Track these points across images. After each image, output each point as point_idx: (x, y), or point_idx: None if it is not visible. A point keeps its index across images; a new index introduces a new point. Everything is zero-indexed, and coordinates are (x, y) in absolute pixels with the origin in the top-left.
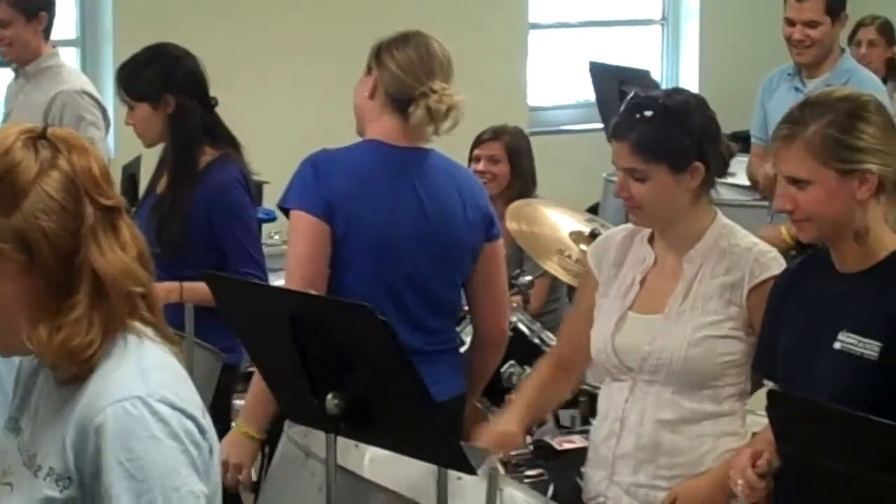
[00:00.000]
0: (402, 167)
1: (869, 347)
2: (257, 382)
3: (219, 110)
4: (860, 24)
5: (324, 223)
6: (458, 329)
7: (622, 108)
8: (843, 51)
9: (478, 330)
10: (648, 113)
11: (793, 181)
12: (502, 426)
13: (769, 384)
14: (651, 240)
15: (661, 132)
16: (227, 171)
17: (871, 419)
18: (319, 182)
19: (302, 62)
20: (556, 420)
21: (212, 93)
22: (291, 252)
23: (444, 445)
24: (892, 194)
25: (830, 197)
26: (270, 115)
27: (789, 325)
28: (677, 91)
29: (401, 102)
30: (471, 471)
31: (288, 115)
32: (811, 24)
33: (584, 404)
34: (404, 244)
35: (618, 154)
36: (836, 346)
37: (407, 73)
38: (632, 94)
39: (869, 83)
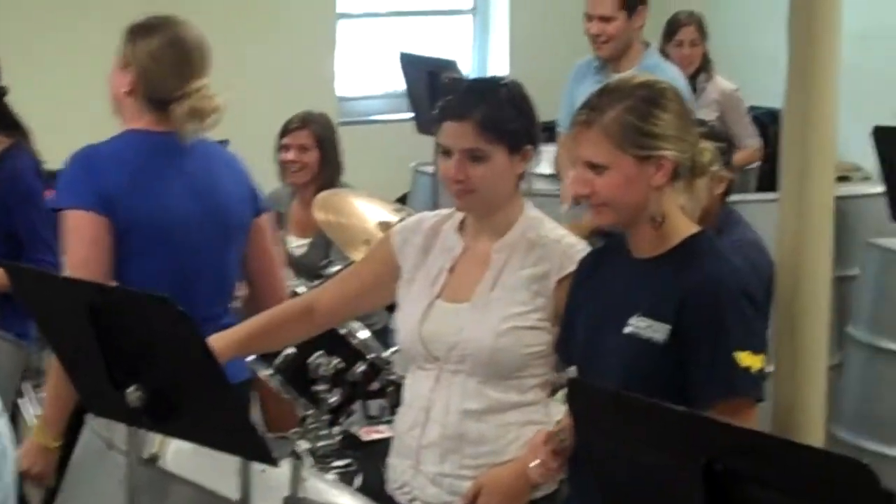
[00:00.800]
0: (168, 154)
1: (658, 330)
2: (54, 385)
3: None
4: (679, 24)
5: (102, 217)
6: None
7: (453, 89)
8: (647, 45)
9: (259, 303)
10: (489, 94)
11: (590, 166)
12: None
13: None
14: (461, 228)
15: (501, 113)
16: (20, 159)
17: (657, 404)
18: (90, 177)
19: (84, 48)
20: (365, 410)
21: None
22: (71, 257)
23: (246, 437)
24: (687, 181)
25: (627, 182)
26: (54, 103)
27: (585, 312)
28: (501, 78)
29: (161, 103)
30: (273, 462)
31: (72, 102)
32: (606, 19)
33: (392, 394)
34: (182, 230)
35: (457, 134)
36: (627, 329)
37: (163, 73)
38: (462, 78)
39: (674, 79)
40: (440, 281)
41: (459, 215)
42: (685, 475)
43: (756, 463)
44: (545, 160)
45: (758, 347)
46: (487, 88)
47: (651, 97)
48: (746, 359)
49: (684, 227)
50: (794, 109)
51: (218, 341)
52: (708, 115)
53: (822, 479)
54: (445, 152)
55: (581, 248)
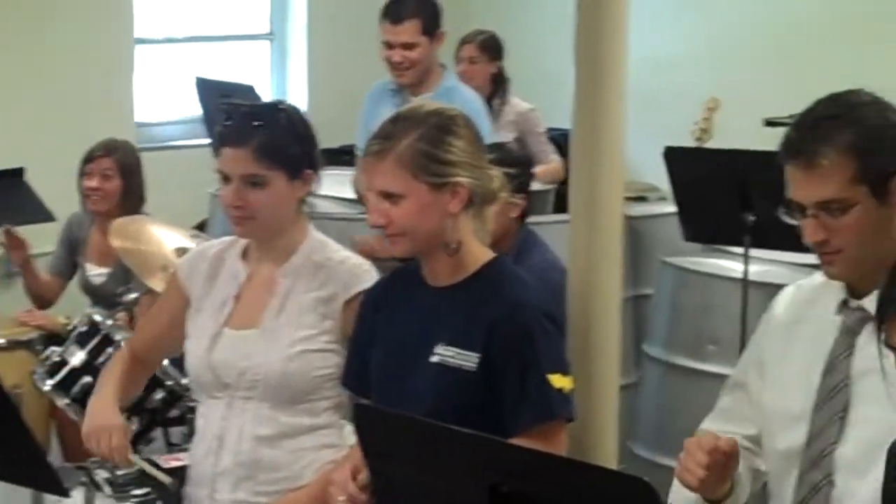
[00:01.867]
0: None
1: (467, 359)
2: None
3: None
4: (463, 41)
5: None
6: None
7: (231, 115)
8: (444, 67)
9: None
10: (267, 120)
11: (385, 196)
12: (111, 420)
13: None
14: (245, 255)
15: (280, 139)
16: None
17: (443, 427)
18: None
19: None
20: (166, 437)
21: None
22: None
23: (36, 468)
24: (480, 208)
25: (423, 210)
26: None
27: (382, 341)
28: (279, 103)
29: None
30: (63, 493)
31: None
32: (409, 46)
33: (192, 421)
34: None
35: (235, 161)
36: (434, 359)
37: None
38: (240, 103)
39: (471, 101)
40: (227, 309)
41: (243, 242)
42: (472, 498)
43: (540, 484)
44: (346, 184)
45: (566, 369)
46: (265, 114)
47: (443, 124)
48: (558, 381)
49: (480, 253)
50: (582, 131)
51: (106, 408)
52: (505, 136)
53: (606, 496)
54: (225, 179)
55: (367, 269)
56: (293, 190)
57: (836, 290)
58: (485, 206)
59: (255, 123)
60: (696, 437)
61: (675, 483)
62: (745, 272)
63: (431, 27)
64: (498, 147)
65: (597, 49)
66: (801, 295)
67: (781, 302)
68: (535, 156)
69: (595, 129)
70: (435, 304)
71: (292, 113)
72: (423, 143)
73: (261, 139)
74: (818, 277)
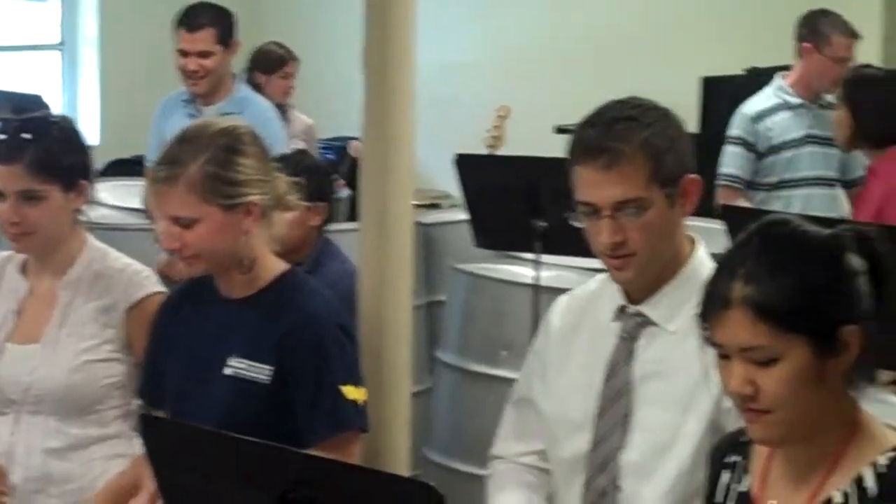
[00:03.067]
0: None
1: (260, 371)
2: None
3: None
4: (285, 59)
5: None
6: None
7: (11, 129)
8: (235, 77)
9: None
10: (38, 133)
11: (177, 221)
12: None
13: None
14: (24, 269)
15: (53, 151)
16: None
17: (231, 436)
18: None
19: None
20: None
21: None
22: None
23: None
24: (271, 217)
25: (217, 232)
26: None
27: (176, 353)
28: (49, 114)
29: None
30: None
31: None
32: (204, 55)
33: None
34: None
35: (8, 177)
36: (227, 371)
37: None
38: (10, 118)
39: (264, 111)
40: (8, 324)
41: (21, 256)
42: None
43: (329, 491)
44: (137, 195)
45: (359, 380)
46: (36, 127)
47: (230, 145)
48: (351, 392)
49: (273, 265)
50: (372, 138)
51: None
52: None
53: (393, 501)
54: (0, 195)
55: (147, 275)
56: (69, 202)
57: (612, 296)
58: (272, 213)
59: (26, 137)
60: None
61: None
62: (537, 278)
63: (226, 36)
64: (296, 155)
65: (385, 56)
66: (575, 303)
67: (557, 311)
68: None
69: (384, 136)
70: (228, 317)
71: (64, 124)
72: (212, 165)
73: (33, 153)
74: (592, 285)
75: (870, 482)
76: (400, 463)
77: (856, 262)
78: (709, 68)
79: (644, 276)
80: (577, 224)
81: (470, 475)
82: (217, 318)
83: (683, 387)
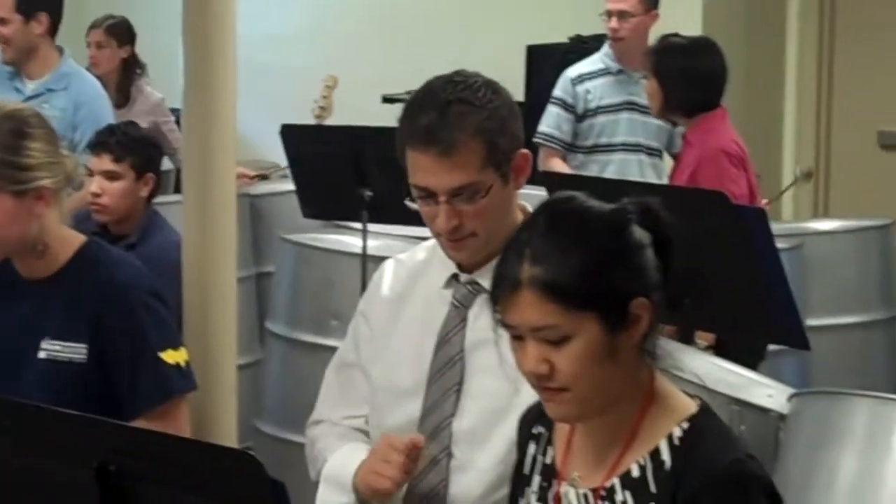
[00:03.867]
0: None
1: (75, 351)
2: None
3: None
4: (92, 26)
5: None
6: None
7: None
8: (62, 51)
9: None
10: None
11: None
12: None
13: None
14: None
15: None
16: None
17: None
18: None
19: None
20: None
21: None
22: None
23: None
24: (59, 197)
25: (9, 219)
26: None
27: None
28: None
29: None
30: None
31: None
32: (2, 21)
33: None
34: None
35: None
36: (41, 354)
37: None
38: None
39: (90, 87)
40: None
41: None
42: (79, 480)
43: (148, 461)
44: None
45: (177, 342)
46: None
47: (17, 129)
48: (171, 356)
49: (68, 240)
50: (193, 109)
51: None
52: (143, 122)
53: (212, 470)
54: None
55: None
56: None
57: (443, 264)
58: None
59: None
60: (384, 439)
61: (323, 488)
62: (364, 247)
63: (27, 7)
64: (124, 126)
65: (205, 26)
66: (404, 269)
67: (384, 276)
68: (169, 145)
69: (204, 107)
70: (34, 299)
71: None
72: (0, 152)
73: None
74: (420, 253)
75: (665, 455)
76: (228, 434)
77: (640, 234)
78: (534, 36)
79: (481, 254)
80: (412, 206)
81: (303, 445)
82: (23, 302)
83: None
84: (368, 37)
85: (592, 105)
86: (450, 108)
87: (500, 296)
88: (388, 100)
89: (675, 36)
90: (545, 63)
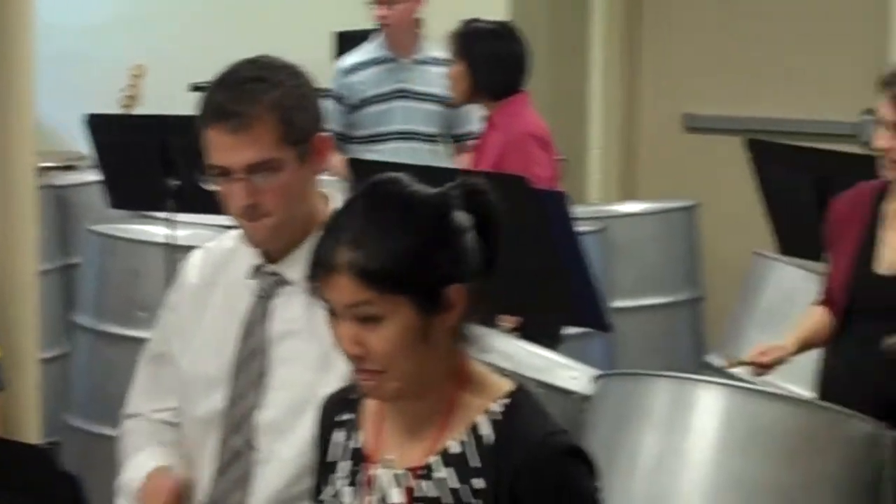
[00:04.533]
0: None
1: None
2: None
3: None
4: None
5: None
6: None
7: None
8: None
9: None
10: None
11: None
12: None
13: None
14: None
15: None
16: None
17: None
18: None
19: None
20: None
21: None
22: None
23: None
24: None
25: None
26: None
27: None
28: None
29: None
30: None
31: None
32: None
33: None
34: None
35: None
36: None
37: None
38: None
39: None
40: None
41: None
42: None
43: None
44: None
45: None
46: None
47: None
48: None
49: None
50: None
51: None
52: None
53: (6, 465)
54: None
55: None
56: None
57: (248, 254)
58: None
59: None
60: (149, 481)
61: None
62: (171, 237)
63: None
64: None
65: (1, 17)
66: (210, 259)
67: (191, 266)
68: None
69: (2, 98)
70: None
71: None
72: None
73: None
74: (227, 241)
75: (485, 429)
76: (32, 428)
77: (463, 218)
78: (341, 23)
79: (279, 237)
80: (209, 187)
81: (113, 438)
82: None
83: (320, 346)
84: (176, 26)
85: (364, 95)
86: (245, 85)
87: (317, 276)
88: (196, 88)
89: (479, 20)
90: (353, 49)
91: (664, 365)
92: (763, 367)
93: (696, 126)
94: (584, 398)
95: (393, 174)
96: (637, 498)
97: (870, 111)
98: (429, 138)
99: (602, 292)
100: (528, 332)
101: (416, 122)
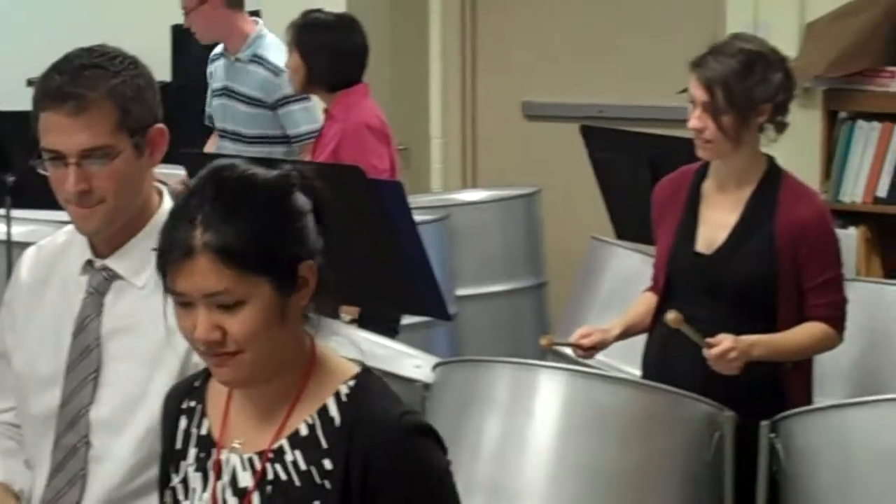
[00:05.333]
0: None
1: None
2: None
3: None
4: None
5: None
6: None
7: None
8: None
9: None
10: None
11: None
12: None
13: None
14: None
15: None
16: None
17: None
18: None
19: None
20: None
21: None
22: None
23: None
24: None
25: None
26: None
27: None
28: None
29: None
30: None
31: None
32: None
33: None
34: None
35: None
36: None
37: None
38: None
39: None
40: None
41: None
42: None
43: None
44: None
45: None
46: None
47: None
48: None
49: None
50: None
51: None
52: None
53: None
54: None
55: None
56: None
57: (80, 250)
58: None
59: None
60: None
61: None
62: (8, 233)
63: None
64: None
65: None
66: (43, 255)
67: (25, 263)
68: None
69: None
70: None
71: None
72: None
73: None
74: (60, 236)
75: (334, 411)
76: None
77: (303, 200)
78: (179, 16)
79: (111, 226)
80: (42, 172)
81: None
82: None
83: (151, 342)
84: (9, 18)
85: (211, 88)
86: (83, 71)
87: (172, 262)
88: (32, 83)
89: (317, 11)
90: (190, 44)
91: (510, 351)
92: (585, 350)
93: (535, 114)
94: (427, 386)
95: (230, 160)
96: (480, 484)
97: (685, 90)
98: (254, 140)
99: (443, 281)
100: (368, 321)
101: (235, 122)
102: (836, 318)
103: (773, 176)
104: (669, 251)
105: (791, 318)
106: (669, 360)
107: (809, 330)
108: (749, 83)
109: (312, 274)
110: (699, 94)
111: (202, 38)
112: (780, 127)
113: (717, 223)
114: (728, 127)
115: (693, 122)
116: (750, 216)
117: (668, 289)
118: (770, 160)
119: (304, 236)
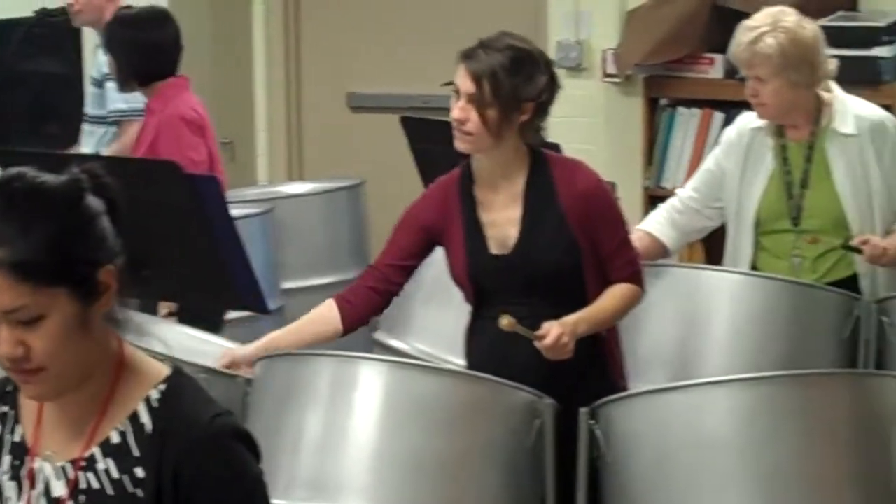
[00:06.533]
0: None
1: None
2: None
3: None
4: None
5: None
6: None
7: None
8: None
9: None
10: None
11: None
12: None
13: None
14: None
15: None
16: None
17: None
18: None
19: None
20: None
21: None
22: None
23: None
24: None
25: None
26: None
27: None
28: None
29: None
30: None
31: None
32: None
33: None
34: None
35: None
36: None
37: None
38: None
39: None
40: None
41: None
42: None
43: None
44: None
45: None
46: None
47: None
48: None
49: None
50: None
51: None
52: None
53: None
54: None
55: None
56: None
57: None
58: None
59: None
60: None
61: None
62: None
63: None
64: None
65: None
66: None
67: None
68: None
69: None
70: None
71: None
72: None
73: None
74: None
75: (145, 417)
76: None
77: (96, 202)
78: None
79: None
80: None
81: None
82: None
83: None
84: None
85: None
86: None
87: None
88: None
89: (127, 8)
90: (12, 37)
91: (335, 344)
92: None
93: (360, 105)
94: (248, 381)
95: (18, 169)
96: (302, 478)
97: (450, 83)
98: (96, 120)
99: (267, 274)
100: (188, 316)
101: (90, 105)
102: (637, 273)
103: (539, 160)
104: (466, 262)
105: (598, 287)
106: (505, 360)
107: (620, 291)
108: (516, 80)
109: (111, 278)
110: (466, 85)
111: (80, 22)
112: (537, 130)
113: (502, 222)
114: (491, 121)
115: (456, 113)
116: (533, 204)
117: (479, 295)
118: (531, 148)
119: (100, 241)
